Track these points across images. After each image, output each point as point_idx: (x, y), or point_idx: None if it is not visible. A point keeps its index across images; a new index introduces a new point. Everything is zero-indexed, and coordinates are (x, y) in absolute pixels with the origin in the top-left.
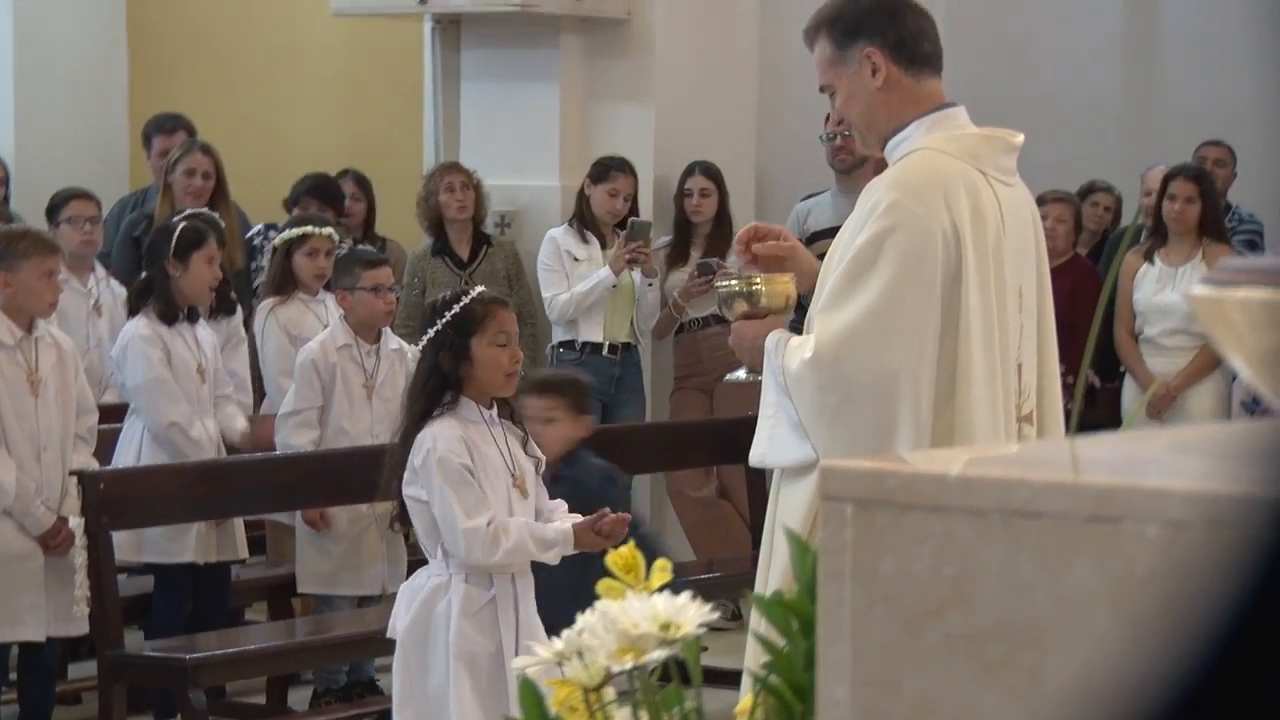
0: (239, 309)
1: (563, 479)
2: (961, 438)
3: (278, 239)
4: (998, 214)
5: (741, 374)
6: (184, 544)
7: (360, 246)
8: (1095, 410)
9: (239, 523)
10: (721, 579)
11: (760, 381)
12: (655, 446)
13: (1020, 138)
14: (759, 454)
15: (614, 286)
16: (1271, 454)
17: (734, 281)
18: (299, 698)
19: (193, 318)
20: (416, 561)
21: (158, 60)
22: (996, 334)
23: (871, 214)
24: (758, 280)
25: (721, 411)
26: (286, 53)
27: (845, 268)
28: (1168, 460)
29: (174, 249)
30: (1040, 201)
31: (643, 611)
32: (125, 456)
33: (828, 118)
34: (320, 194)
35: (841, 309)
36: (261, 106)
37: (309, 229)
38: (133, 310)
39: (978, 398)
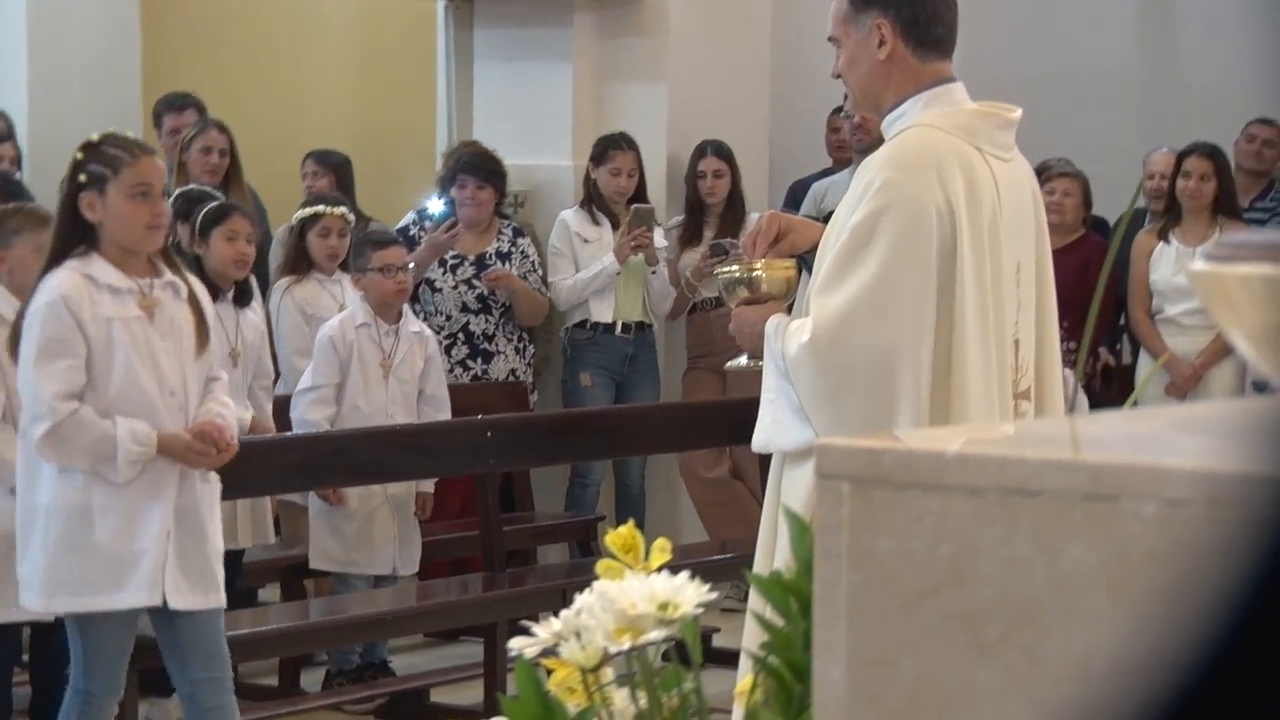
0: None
1: None
2: (956, 414)
3: (293, 218)
4: (993, 190)
5: (743, 360)
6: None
7: (374, 226)
8: (1110, 389)
9: (266, 504)
10: (734, 559)
11: (762, 367)
12: (668, 427)
13: (1017, 112)
14: (762, 439)
15: (618, 274)
16: (1271, 431)
17: (734, 268)
18: (311, 679)
19: (242, 300)
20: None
21: (171, 39)
22: (991, 310)
23: (865, 193)
24: (758, 266)
25: (735, 392)
26: (299, 31)
27: (840, 248)
28: (1168, 438)
29: (198, 228)
30: (1046, 175)
31: (641, 591)
32: None
33: (845, 97)
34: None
35: (837, 290)
36: (275, 86)
37: (321, 208)
38: None
39: (973, 374)
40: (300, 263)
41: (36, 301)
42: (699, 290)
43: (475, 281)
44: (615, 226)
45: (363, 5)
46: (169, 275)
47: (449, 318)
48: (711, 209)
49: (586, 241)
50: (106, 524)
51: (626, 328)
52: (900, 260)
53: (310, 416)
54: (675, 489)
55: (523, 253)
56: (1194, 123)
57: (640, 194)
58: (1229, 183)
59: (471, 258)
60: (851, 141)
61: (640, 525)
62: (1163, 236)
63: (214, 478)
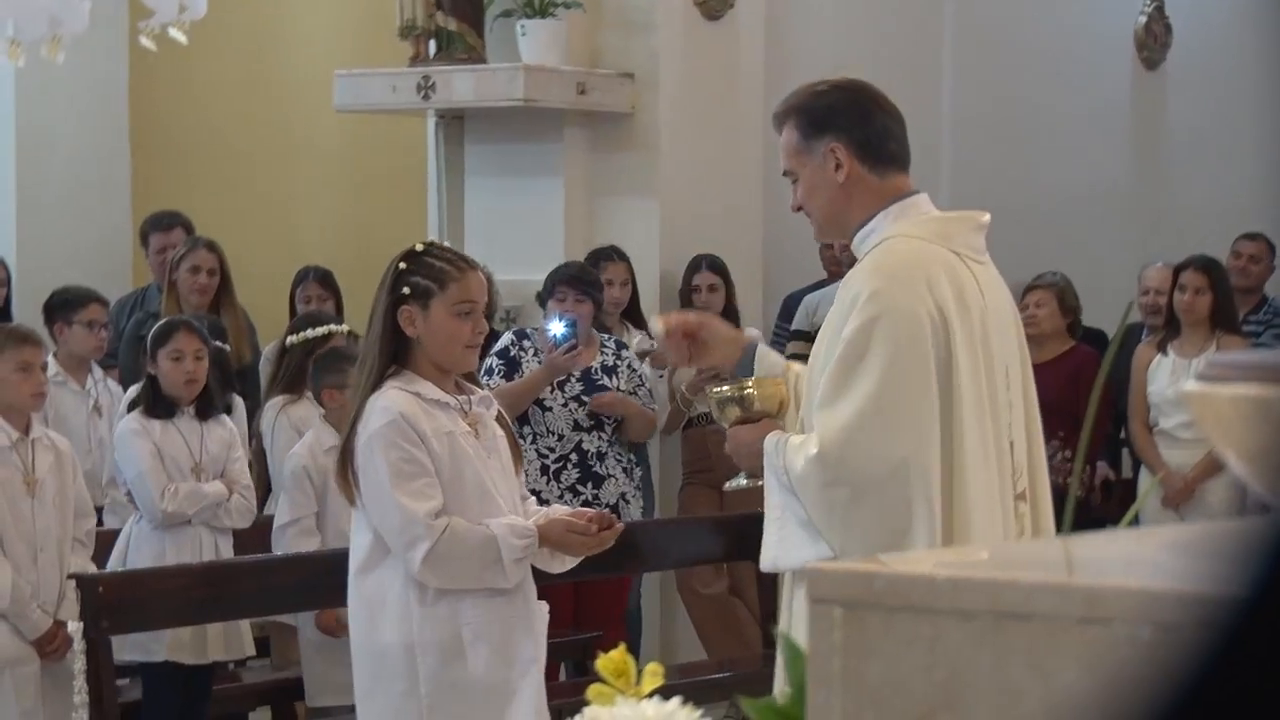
0: (232, 411)
1: None
2: (960, 521)
3: (294, 337)
4: (978, 293)
5: (742, 480)
6: (163, 641)
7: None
8: (1109, 503)
9: (245, 622)
10: (732, 678)
11: (762, 486)
12: (665, 543)
13: (987, 216)
14: (770, 558)
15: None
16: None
17: (725, 387)
18: None
19: (205, 414)
20: None
21: (161, 157)
22: (989, 415)
23: (854, 305)
24: (749, 384)
25: (731, 508)
26: (290, 149)
27: (838, 361)
28: (1161, 560)
29: (149, 348)
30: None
31: (632, 718)
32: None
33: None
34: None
35: (841, 402)
36: (266, 203)
37: (332, 328)
38: (130, 408)
39: (975, 480)
40: (296, 382)
41: (371, 425)
42: (694, 405)
43: (585, 397)
44: (612, 335)
45: (354, 123)
46: (480, 392)
47: (560, 437)
48: None
49: None
50: (479, 654)
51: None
52: (900, 369)
53: (296, 550)
54: (673, 606)
55: (629, 366)
56: (1190, 236)
57: (634, 307)
58: (1226, 295)
59: (578, 375)
60: (843, 257)
61: (636, 642)
62: (1161, 349)
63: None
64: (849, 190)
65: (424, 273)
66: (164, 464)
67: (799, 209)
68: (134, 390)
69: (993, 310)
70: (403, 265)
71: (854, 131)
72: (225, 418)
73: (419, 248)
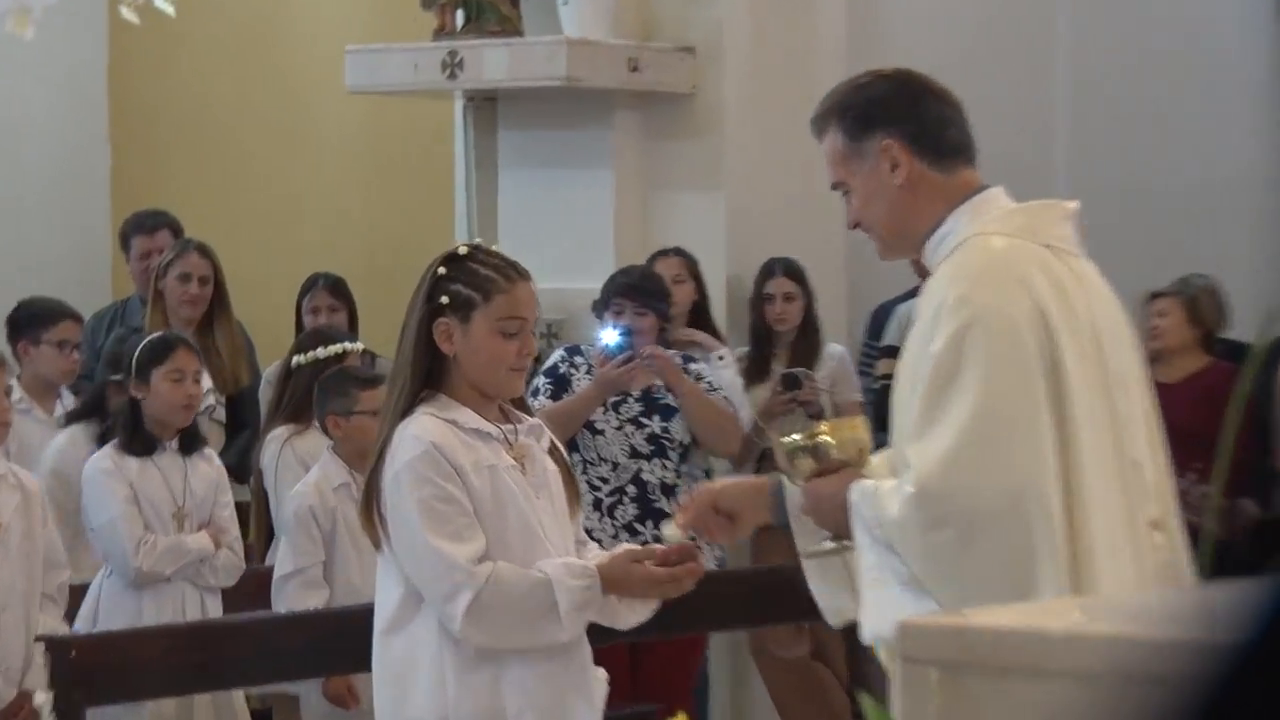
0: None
1: None
2: (1084, 556)
3: (301, 357)
4: (1080, 289)
5: (828, 544)
6: (144, 714)
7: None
8: (1260, 547)
9: (238, 692)
10: None
11: (850, 548)
12: (737, 597)
13: (1074, 204)
14: (871, 630)
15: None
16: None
17: (796, 435)
18: None
19: (189, 448)
20: None
21: (145, 148)
22: (1109, 428)
23: (938, 316)
24: (823, 430)
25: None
26: (295, 138)
27: (928, 383)
28: None
29: (135, 367)
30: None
31: None
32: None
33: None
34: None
35: (936, 431)
36: (267, 201)
37: (345, 345)
38: (101, 439)
39: (1098, 506)
40: (303, 410)
41: (401, 457)
42: (768, 434)
43: (645, 419)
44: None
45: (369, 107)
46: (529, 419)
47: (616, 466)
48: (781, 338)
49: None
50: None
51: None
52: (1001, 382)
53: (300, 607)
54: (746, 671)
55: (698, 376)
56: None
57: (702, 313)
58: None
59: (637, 393)
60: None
61: (703, 714)
62: None
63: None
64: (912, 194)
65: (466, 280)
66: (141, 510)
67: (856, 225)
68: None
69: (1100, 308)
70: (442, 270)
71: (907, 123)
72: (211, 453)
73: (463, 250)
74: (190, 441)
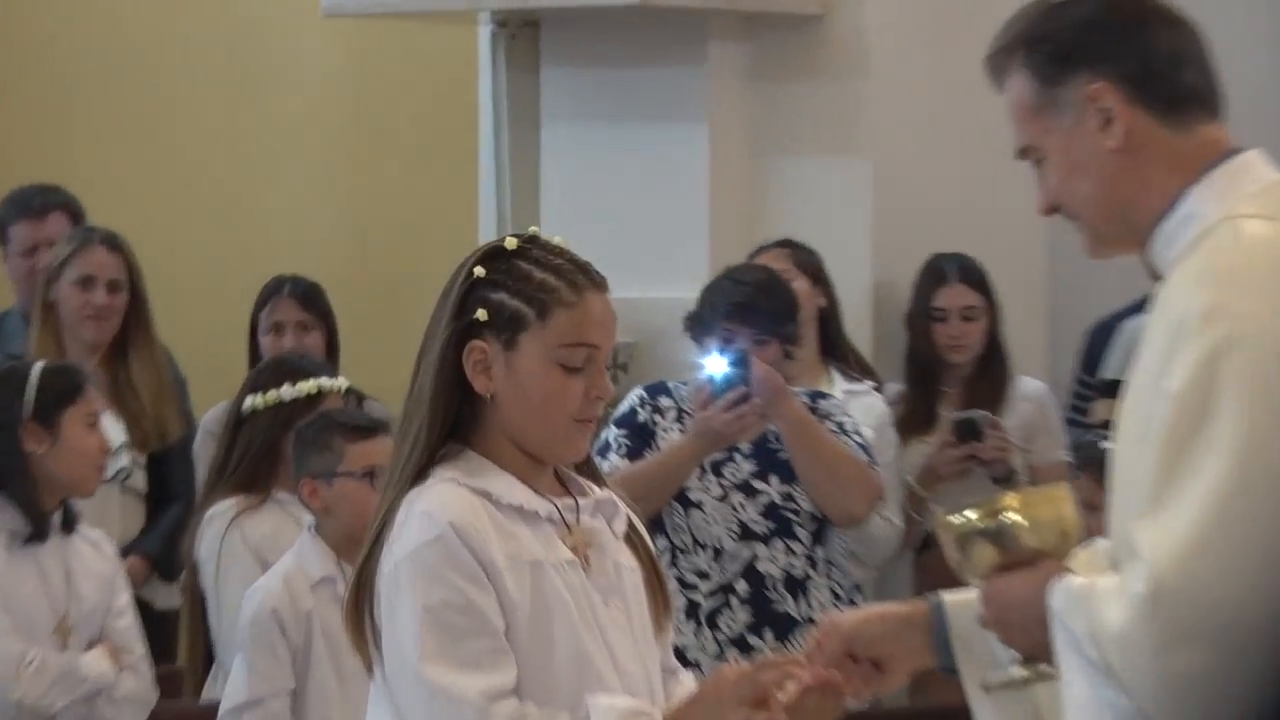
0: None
1: None
2: None
3: (257, 399)
4: None
5: (1017, 671)
6: None
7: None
8: None
9: None
10: None
11: (1050, 675)
12: None
13: None
14: None
15: None
16: None
17: (970, 514)
18: None
19: (68, 526)
20: None
21: (30, 103)
22: None
23: (1180, 334)
24: (1010, 505)
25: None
26: (247, 83)
27: (1166, 433)
28: None
29: (34, 408)
30: None
31: None
32: None
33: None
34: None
35: (1179, 501)
36: (206, 174)
37: (321, 383)
38: None
39: None
40: (260, 474)
41: (405, 541)
42: (930, 507)
43: (759, 484)
44: None
45: (357, 36)
46: (598, 492)
47: (719, 553)
48: (954, 370)
49: None
50: None
51: None
52: (1272, 431)
53: None
54: None
55: (826, 415)
56: None
57: (832, 332)
58: None
59: (747, 448)
60: None
61: None
62: None
63: None
64: (1132, 158)
65: (514, 287)
66: (13, 619)
67: (1053, 209)
68: None
69: None
70: (479, 272)
71: (1124, 60)
72: (100, 536)
73: (511, 244)
74: (68, 519)
